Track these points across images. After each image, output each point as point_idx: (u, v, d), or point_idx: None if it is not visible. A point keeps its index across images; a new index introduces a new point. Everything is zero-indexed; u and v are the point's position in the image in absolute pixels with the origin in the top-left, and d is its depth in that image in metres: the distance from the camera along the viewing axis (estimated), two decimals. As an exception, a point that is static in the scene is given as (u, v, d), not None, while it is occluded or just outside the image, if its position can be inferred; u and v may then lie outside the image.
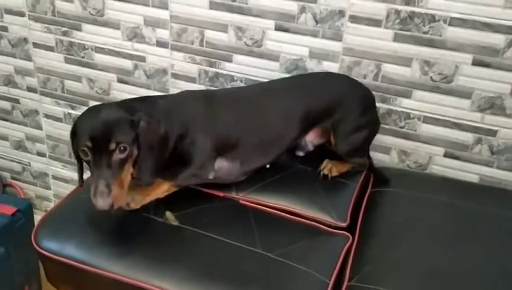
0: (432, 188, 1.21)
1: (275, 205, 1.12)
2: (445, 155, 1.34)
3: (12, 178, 1.95)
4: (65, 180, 1.86)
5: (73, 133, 0.98)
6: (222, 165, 1.15)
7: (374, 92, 1.30)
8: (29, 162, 1.88)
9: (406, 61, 1.26)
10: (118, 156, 0.94)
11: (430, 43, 1.22)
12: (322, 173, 1.21)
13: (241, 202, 1.13)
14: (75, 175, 1.81)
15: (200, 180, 1.13)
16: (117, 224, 1.01)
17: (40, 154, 1.84)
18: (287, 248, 0.99)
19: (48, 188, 1.91)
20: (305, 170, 1.23)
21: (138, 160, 0.98)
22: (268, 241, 1.00)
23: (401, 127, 1.34)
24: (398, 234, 1.06)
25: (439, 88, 1.26)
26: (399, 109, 1.32)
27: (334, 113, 1.19)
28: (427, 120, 1.31)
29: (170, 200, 1.10)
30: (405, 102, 1.31)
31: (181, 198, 1.12)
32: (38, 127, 1.78)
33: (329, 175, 1.20)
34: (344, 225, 1.09)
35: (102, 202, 0.90)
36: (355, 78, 1.28)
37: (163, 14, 1.42)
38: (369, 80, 1.31)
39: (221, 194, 1.15)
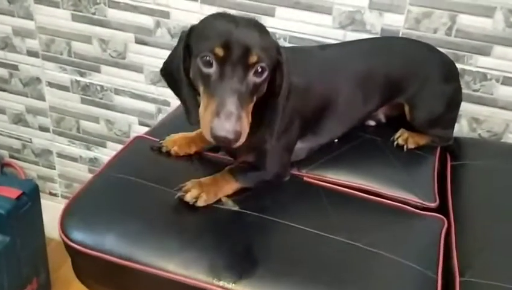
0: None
1: (347, 183, 0.93)
2: (526, 122, 1.17)
3: (11, 157, 1.72)
4: (72, 158, 1.64)
5: (188, 37, 0.75)
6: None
7: (445, 50, 1.11)
8: (30, 138, 1.66)
9: (488, 11, 1.07)
10: (254, 77, 0.72)
11: (520, -11, 1.04)
12: (396, 142, 1.03)
13: (306, 179, 0.94)
14: (83, 152, 1.61)
15: (278, 184, 0.91)
16: (166, 211, 0.81)
17: (42, 129, 1.62)
18: (375, 235, 0.81)
19: (52, 167, 1.69)
20: (374, 140, 1.04)
21: (267, 107, 0.75)
22: (350, 227, 0.81)
23: (474, 90, 1.16)
24: (499, 215, 0.88)
25: (527, 43, 1.08)
26: (474, 69, 1.14)
27: (413, 83, 1.01)
28: (507, 81, 1.13)
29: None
30: (482, 60, 1.12)
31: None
32: (41, 97, 1.55)
33: (405, 146, 1.02)
34: (434, 205, 0.91)
35: (229, 126, 0.66)
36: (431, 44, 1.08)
37: (193, -40, 1.20)
38: (440, 35, 1.12)
39: (279, 170, 0.96)
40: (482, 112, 1.18)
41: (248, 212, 0.83)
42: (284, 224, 0.81)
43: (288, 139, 0.89)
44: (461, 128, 1.20)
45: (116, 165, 0.93)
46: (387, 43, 1.08)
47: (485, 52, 1.11)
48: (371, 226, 0.83)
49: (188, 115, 0.78)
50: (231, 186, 0.86)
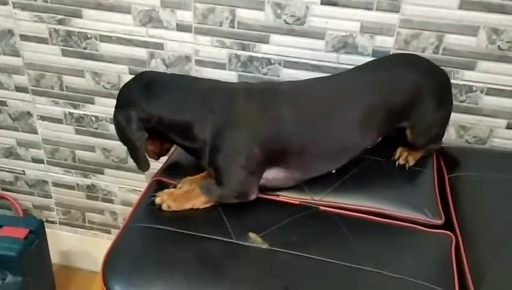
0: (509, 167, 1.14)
1: (361, 208, 1.00)
2: (508, 127, 1.26)
3: (4, 189, 1.71)
4: (69, 187, 1.65)
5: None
6: (278, 175, 1.01)
7: (433, 66, 1.18)
8: (23, 170, 1.65)
9: (472, 30, 1.15)
10: None
11: (501, 9, 1.11)
12: (397, 163, 1.10)
13: (322, 209, 1.00)
14: (80, 180, 1.62)
15: (243, 200, 0.99)
16: (204, 260, 0.86)
17: (36, 160, 1.61)
18: (397, 261, 0.89)
19: (48, 196, 1.69)
20: (379, 161, 1.11)
21: None
22: (375, 256, 0.88)
23: (461, 101, 1.24)
24: (504, 227, 0.97)
25: (507, 57, 1.16)
26: (460, 83, 1.22)
27: (413, 110, 1.05)
28: (490, 92, 1.22)
29: (241, 215, 0.97)
30: (467, 74, 1.21)
31: (251, 210, 0.99)
32: (33, 130, 1.54)
33: (407, 165, 1.09)
34: (440, 222, 0.99)
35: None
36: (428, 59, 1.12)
37: (185, -7, 1.22)
38: (428, 54, 1.19)
39: (295, 201, 1.02)
40: (468, 120, 1.27)
41: (277, 249, 0.89)
42: (315, 259, 0.87)
43: (244, 158, 0.94)
44: (449, 136, 1.29)
45: (141, 214, 0.96)
46: (386, 64, 1.10)
47: (470, 67, 1.20)
48: (392, 252, 0.91)
49: (140, 165, 1.00)
50: (199, 199, 0.97)
